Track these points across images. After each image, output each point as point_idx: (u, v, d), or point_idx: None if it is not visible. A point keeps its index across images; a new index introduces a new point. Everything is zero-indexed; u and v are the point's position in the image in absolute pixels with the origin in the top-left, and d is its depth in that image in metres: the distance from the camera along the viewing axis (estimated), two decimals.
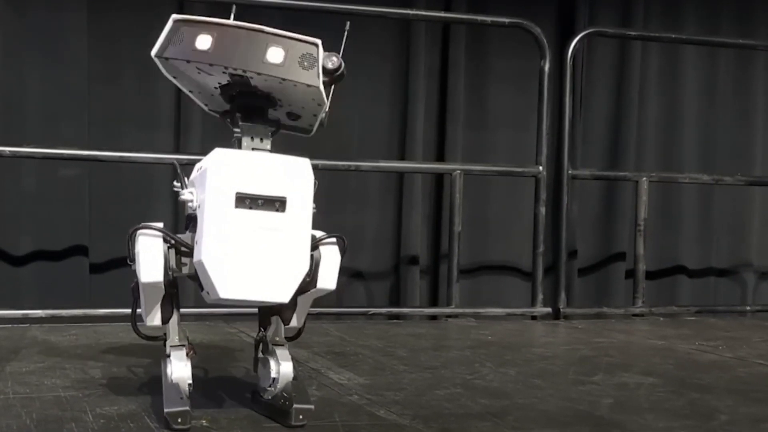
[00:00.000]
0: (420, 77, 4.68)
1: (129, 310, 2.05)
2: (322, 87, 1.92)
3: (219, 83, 2.00)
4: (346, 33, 2.06)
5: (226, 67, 1.92)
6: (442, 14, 4.66)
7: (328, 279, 1.96)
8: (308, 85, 1.92)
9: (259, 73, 1.91)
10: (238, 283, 1.83)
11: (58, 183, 4.11)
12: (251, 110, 2.00)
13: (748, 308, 4.95)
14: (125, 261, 1.94)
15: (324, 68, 1.93)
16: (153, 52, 1.95)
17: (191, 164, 1.99)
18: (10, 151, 3.56)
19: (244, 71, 1.92)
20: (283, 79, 1.91)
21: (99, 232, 4.17)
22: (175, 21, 1.94)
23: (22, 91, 4.08)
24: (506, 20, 4.28)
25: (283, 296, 1.88)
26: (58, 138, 3.94)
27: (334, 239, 1.99)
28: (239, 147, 1.97)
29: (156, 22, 4.43)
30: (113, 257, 4.14)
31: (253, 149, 1.96)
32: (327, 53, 1.94)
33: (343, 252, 1.99)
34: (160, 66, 2.00)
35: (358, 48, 4.58)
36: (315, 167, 1.94)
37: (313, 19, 4.29)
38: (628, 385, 2.57)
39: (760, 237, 5.40)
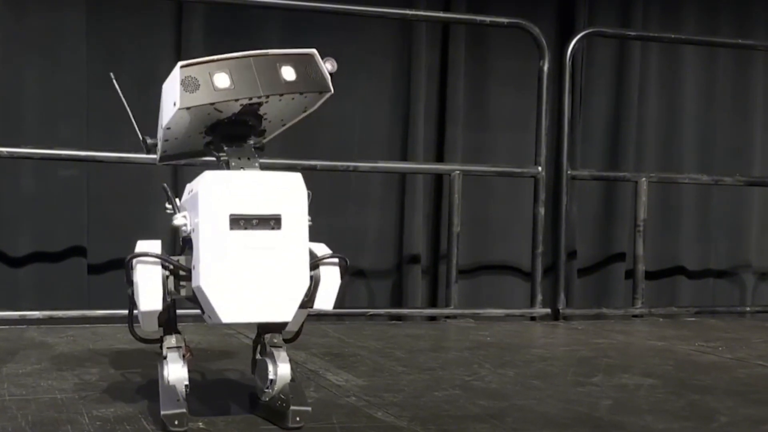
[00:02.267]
0: (420, 77, 4.67)
1: (126, 311, 2.04)
2: (332, 91, 1.99)
3: (217, 119, 1.98)
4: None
5: (250, 98, 1.92)
6: (442, 14, 4.66)
7: (325, 301, 1.96)
8: (320, 92, 1.99)
9: (281, 95, 1.93)
10: (240, 307, 1.82)
11: (57, 184, 4.10)
12: (234, 138, 2.00)
13: (748, 309, 4.95)
14: (123, 262, 1.94)
15: (329, 72, 2.00)
16: (179, 106, 1.88)
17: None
18: (8, 151, 3.55)
19: (267, 97, 1.93)
20: (302, 93, 1.96)
21: (97, 233, 4.17)
22: (182, 67, 1.90)
23: (21, 91, 4.07)
24: (505, 20, 4.27)
25: (286, 315, 1.87)
26: (57, 139, 3.94)
27: (336, 260, 1.97)
28: (227, 168, 1.96)
29: (155, 23, 4.45)
30: (111, 258, 4.14)
31: (241, 168, 1.95)
32: (324, 58, 2.00)
33: (344, 272, 1.98)
34: (173, 117, 1.92)
35: (358, 48, 4.60)
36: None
37: (313, 19, 4.30)
38: (627, 387, 2.57)
39: (760, 237, 5.40)
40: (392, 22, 4.59)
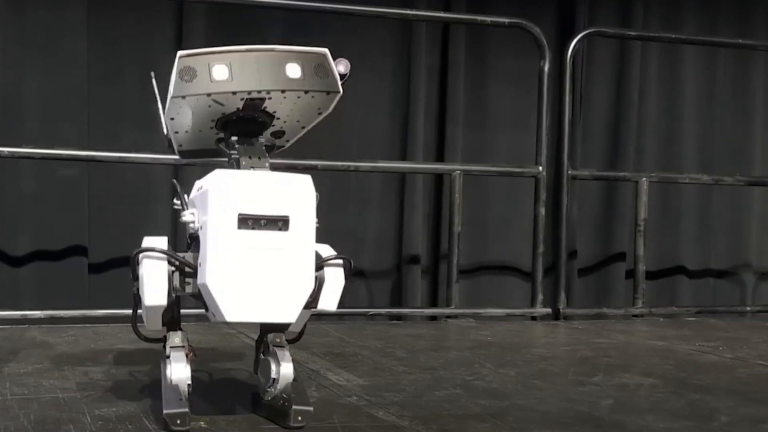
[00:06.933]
0: (420, 77, 4.68)
1: (128, 311, 2.04)
2: (341, 92, 1.96)
3: (223, 113, 1.98)
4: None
5: (249, 92, 1.91)
6: (442, 14, 4.66)
7: (329, 302, 1.96)
8: (328, 93, 1.95)
9: (283, 91, 1.92)
10: (244, 306, 1.83)
11: (57, 183, 4.10)
12: (244, 134, 1.99)
13: (748, 309, 4.95)
14: (124, 261, 1.94)
15: (339, 74, 1.97)
16: (172, 94, 1.89)
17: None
18: (9, 151, 3.55)
19: (268, 92, 1.92)
20: (306, 92, 1.93)
21: (98, 232, 4.17)
22: (181, 57, 1.90)
23: (22, 91, 4.07)
24: (506, 20, 4.28)
25: (289, 316, 1.87)
26: (57, 138, 3.94)
27: (340, 261, 1.97)
28: (237, 167, 1.95)
29: (156, 22, 4.46)
30: (112, 258, 4.14)
31: (251, 168, 1.95)
32: (336, 59, 1.98)
33: (348, 273, 1.98)
34: (170, 106, 1.94)
35: (358, 48, 4.60)
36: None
37: (314, 19, 4.30)
38: (628, 386, 2.57)
39: (760, 237, 5.41)
40: (392, 22, 4.59)
